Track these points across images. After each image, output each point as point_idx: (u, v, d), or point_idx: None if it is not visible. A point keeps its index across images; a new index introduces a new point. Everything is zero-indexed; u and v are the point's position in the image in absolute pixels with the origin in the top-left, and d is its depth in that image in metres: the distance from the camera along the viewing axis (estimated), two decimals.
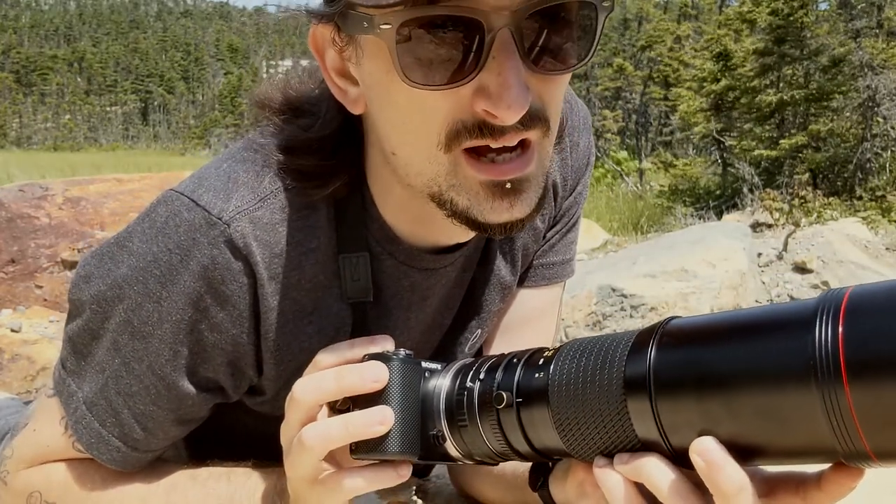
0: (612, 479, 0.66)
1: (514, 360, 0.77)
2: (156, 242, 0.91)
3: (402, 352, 0.81)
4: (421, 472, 1.34)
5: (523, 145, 0.80)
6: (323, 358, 0.83)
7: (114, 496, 0.99)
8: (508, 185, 0.80)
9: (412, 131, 0.82)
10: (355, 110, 0.88)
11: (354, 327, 0.98)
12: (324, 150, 0.93)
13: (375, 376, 0.78)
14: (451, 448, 0.80)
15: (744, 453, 0.59)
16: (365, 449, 0.78)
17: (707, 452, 0.59)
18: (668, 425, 0.62)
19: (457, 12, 0.73)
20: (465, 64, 0.75)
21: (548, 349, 0.75)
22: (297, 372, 0.96)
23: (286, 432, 0.82)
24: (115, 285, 0.93)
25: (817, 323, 0.53)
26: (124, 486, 0.99)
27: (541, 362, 0.73)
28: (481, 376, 0.78)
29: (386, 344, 0.82)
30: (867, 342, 0.51)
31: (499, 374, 0.76)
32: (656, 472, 0.64)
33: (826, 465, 0.60)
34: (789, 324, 0.56)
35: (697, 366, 0.61)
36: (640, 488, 0.66)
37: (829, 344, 0.52)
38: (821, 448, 0.55)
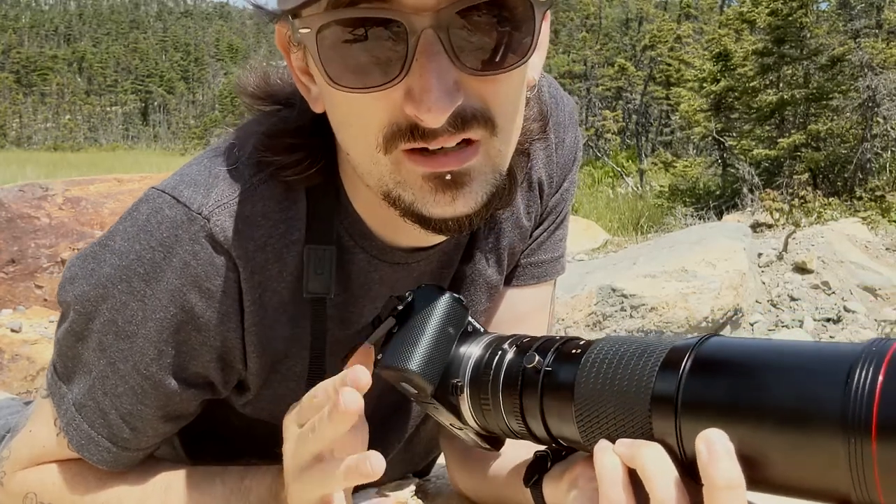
0: (609, 458, 0.65)
1: (552, 340, 0.77)
2: (138, 240, 0.91)
3: (453, 293, 0.82)
4: (421, 473, 1.34)
5: (466, 143, 0.79)
6: (318, 392, 0.79)
7: (109, 497, 0.99)
8: (448, 177, 0.79)
9: (353, 135, 0.82)
10: (317, 109, 0.88)
11: (313, 319, 0.97)
12: (300, 140, 0.93)
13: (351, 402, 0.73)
14: (464, 405, 0.80)
15: (756, 480, 0.59)
16: (390, 360, 0.79)
17: (712, 442, 0.58)
18: (688, 447, 0.62)
19: (377, 14, 0.72)
20: (391, 67, 0.74)
21: (583, 340, 0.75)
22: (275, 365, 0.96)
23: (288, 456, 0.81)
24: (99, 285, 0.93)
25: (858, 370, 0.53)
26: (119, 486, 0.99)
27: (577, 348, 0.73)
28: (517, 345, 0.78)
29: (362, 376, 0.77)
30: None
31: (533, 349, 0.76)
32: (654, 459, 0.63)
33: None
34: (830, 365, 0.56)
35: (727, 390, 0.61)
36: (633, 477, 0.65)
37: (866, 394, 0.52)
38: (836, 494, 0.55)
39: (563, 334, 0.81)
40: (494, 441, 0.86)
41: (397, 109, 0.76)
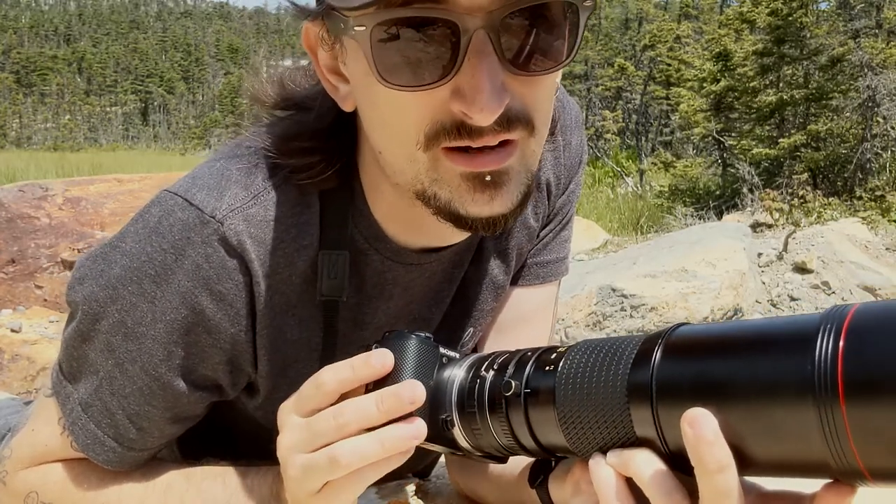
0: (604, 471, 0.67)
1: (528, 353, 0.78)
2: (150, 242, 0.91)
3: (422, 333, 0.82)
4: (421, 473, 1.34)
5: (505, 144, 0.80)
6: (325, 377, 0.79)
7: (110, 497, 0.99)
8: (488, 178, 0.80)
9: (393, 132, 0.82)
10: (346, 108, 0.89)
11: (325, 324, 0.98)
12: (317, 144, 0.93)
13: (382, 363, 0.77)
14: (459, 436, 0.81)
15: (738, 462, 0.59)
16: None
17: (698, 424, 0.58)
18: (668, 432, 0.63)
19: (431, 13, 0.73)
20: (442, 66, 0.75)
21: (560, 347, 0.76)
22: (284, 369, 0.96)
23: (290, 447, 0.80)
24: (109, 286, 0.93)
25: (819, 338, 0.53)
26: (121, 486, 0.99)
27: (552, 357, 0.74)
28: (495, 367, 0.79)
29: (386, 359, 0.80)
30: (866, 360, 0.51)
31: (511, 367, 0.77)
32: (645, 464, 0.64)
33: (820, 483, 0.59)
34: (792, 337, 0.56)
35: (698, 376, 0.61)
36: (632, 485, 0.66)
37: (829, 360, 0.52)
38: (815, 463, 0.55)
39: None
40: (501, 457, 0.87)
41: (443, 107, 0.77)
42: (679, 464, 0.63)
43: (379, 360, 0.77)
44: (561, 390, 0.70)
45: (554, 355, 0.74)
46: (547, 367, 0.73)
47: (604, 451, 0.68)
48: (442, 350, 0.83)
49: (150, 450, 1.00)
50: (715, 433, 0.58)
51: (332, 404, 0.78)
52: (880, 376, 0.50)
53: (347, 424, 0.75)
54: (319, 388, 0.78)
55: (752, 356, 0.58)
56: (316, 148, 0.93)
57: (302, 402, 0.80)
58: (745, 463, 0.59)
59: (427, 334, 0.82)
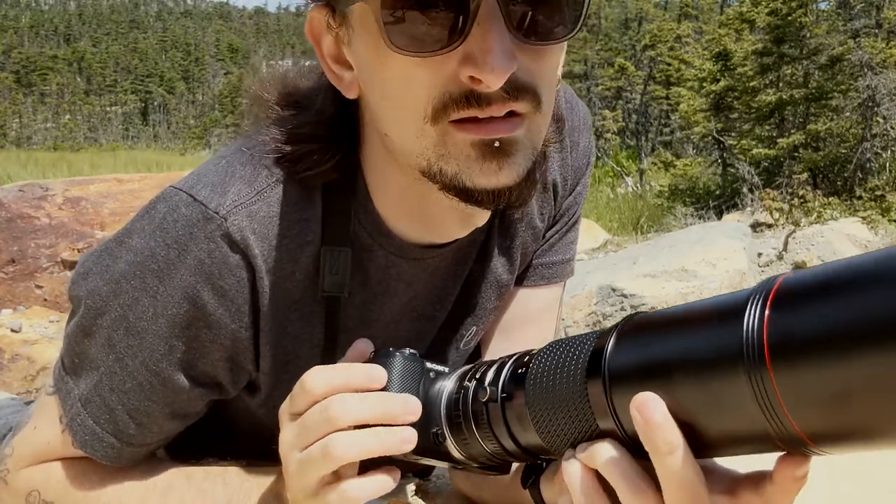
0: (572, 467, 0.67)
1: (506, 359, 0.79)
2: (154, 238, 0.92)
3: (406, 350, 0.83)
4: (422, 473, 1.34)
5: (512, 116, 0.81)
6: (313, 378, 0.82)
7: (112, 496, 0.99)
8: (497, 144, 0.80)
9: (401, 106, 0.83)
10: (350, 94, 0.90)
11: (327, 319, 0.99)
12: (318, 136, 0.94)
13: (374, 378, 0.81)
14: (451, 448, 0.82)
15: (693, 444, 0.60)
16: None
17: (646, 408, 0.59)
18: (621, 414, 0.63)
19: None
20: (451, 32, 0.76)
21: (535, 350, 0.77)
22: (286, 365, 0.97)
23: (287, 446, 0.82)
24: (113, 281, 0.93)
25: (748, 309, 0.54)
26: (122, 486, 1.00)
27: (525, 360, 0.75)
28: (477, 376, 0.80)
29: (365, 347, 0.86)
30: (789, 324, 0.51)
31: (491, 374, 0.78)
32: (606, 455, 0.64)
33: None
34: (725, 311, 0.57)
35: (645, 359, 0.62)
36: (601, 478, 0.66)
37: (756, 328, 0.53)
38: (756, 434, 0.56)
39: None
40: (500, 467, 0.88)
41: (451, 76, 0.78)
42: (639, 450, 0.63)
43: (372, 371, 0.81)
44: (530, 391, 0.72)
45: (527, 358, 0.75)
46: (520, 370, 0.75)
47: (575, 447, 0.69)
48: (430, 365, 0.84)
49: (150, 445, 1.01)
50: (663, 415, 0.59)
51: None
52: (803, 338, 0.50)
53: (336, 418, 0.77)
54: (305, 388, 0.81)
55: (691, 333, 0.59)
56: (316, 137, 0.94)
57: (293, 402, 0.82)
58: (699, 444, 0.60)
59: (412, 351, 0.84)
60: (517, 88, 0.79)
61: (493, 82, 0.76)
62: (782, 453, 0.58)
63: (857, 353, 0.46)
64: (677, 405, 0.59)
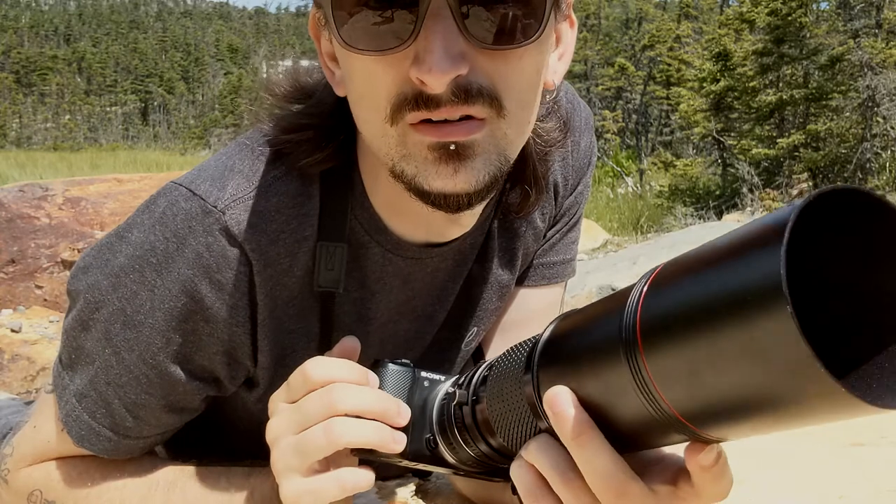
0: (517, 469, 0.68)
1: (483, 363, 0.80)
2: (153, 232, 0.92)
3: (399, 361, 0.85)
4: (422, 473, 1.35)
5: (469, 120, 0.79)
6: (315, 366, 0.82)
7: (114, 495, 0.99)
8: (452, 147, 0.79)
9: (365, 106, 0.83)
10: (339, 92, 0.90)
11: (322, 314, 0.99)
12: (315, 126, 0.94)
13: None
14: (444, 453, 0.83)
15: (610, 438, 0.60)
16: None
17: (554, 402, 0.60)
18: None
19: None
20: (402, 32, 0.75)
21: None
22: (283, 358, 0.97)
23: (280, 430, 0.82)
24: (112, 274, 0.94)
25: (632, 292, 0.55)
26: (124, 484, 1.00)
27: (495, 362, 0.76)
28: (458, 384, 0.82)
29: (352, 344, 0.88)
30: (658, 304, 0.52)
31: (470, 378, 0.80)
32: (537, 450, 0.65)
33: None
34: (619, 296, 0.58)
35: (560, 349, 0.63)
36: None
37: (633, 310, 0.53)
38: (641, 419, 0.56)
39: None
40: (500, 473, 0.88)
41: (405, 77, 0.77)
42: None
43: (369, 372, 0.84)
44: (488, 392, 0.73)
45: (496, 361, 0.76)
46: (486, 374, 0.76)
47: None
48: (424, 374, 0.85)
49: (148, 438, 1.01)
50: (568, 405, 0.60)
51: None
52: (665, 314, 0.51)
53: (337, 401, 0.78)
54: (305, 375, 0.81)
55: (591, 322, 0.60)
56: (312, 126, 0.94)
57: (290, 389, 0.83)
58: (615, 435, 0.60)
59: (405, 361, 0.85)
60: (469, 93, 0.76)
61: (433, 83, 0.75)
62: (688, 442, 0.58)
63: (708, 325, 0.47)
64: (586, 396, 0.59)
